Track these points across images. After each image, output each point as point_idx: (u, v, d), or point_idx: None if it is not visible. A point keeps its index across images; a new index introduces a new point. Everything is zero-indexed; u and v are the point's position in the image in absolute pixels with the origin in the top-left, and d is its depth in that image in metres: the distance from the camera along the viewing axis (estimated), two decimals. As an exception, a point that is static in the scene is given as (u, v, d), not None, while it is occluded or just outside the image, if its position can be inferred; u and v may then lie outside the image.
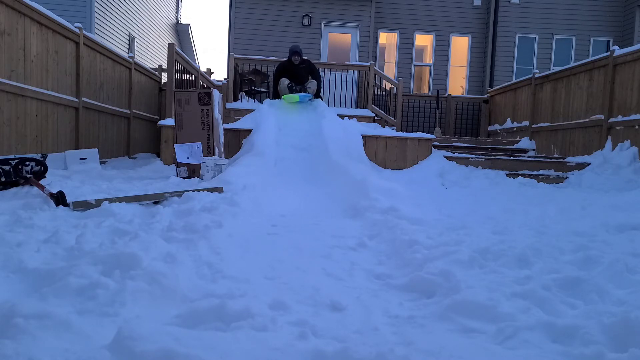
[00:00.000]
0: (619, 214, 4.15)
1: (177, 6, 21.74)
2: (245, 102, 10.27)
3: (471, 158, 7.55)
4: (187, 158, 5.90)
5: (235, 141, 7.11)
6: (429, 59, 14.15)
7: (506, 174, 7.12)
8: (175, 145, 5.99)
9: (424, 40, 14.08)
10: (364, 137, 7.22)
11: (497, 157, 7.84)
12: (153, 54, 17.68)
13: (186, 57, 8.70)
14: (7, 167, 4.14)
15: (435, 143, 8.70)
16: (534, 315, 1.71)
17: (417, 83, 14.40)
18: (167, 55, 7.97)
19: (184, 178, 5.62)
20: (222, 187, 4.25)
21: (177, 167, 5.96)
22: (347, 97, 11.55)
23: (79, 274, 1.90)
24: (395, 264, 2.57)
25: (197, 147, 5.94)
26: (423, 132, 9.02)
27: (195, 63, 13.70)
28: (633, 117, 6.99)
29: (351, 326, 1.67)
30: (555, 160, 7.72)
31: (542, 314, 1.73)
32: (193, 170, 5.85)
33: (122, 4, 14.10)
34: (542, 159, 7.71)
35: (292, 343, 1.45)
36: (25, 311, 1.43)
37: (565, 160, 7.70)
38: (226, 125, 7.03)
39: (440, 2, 13.47)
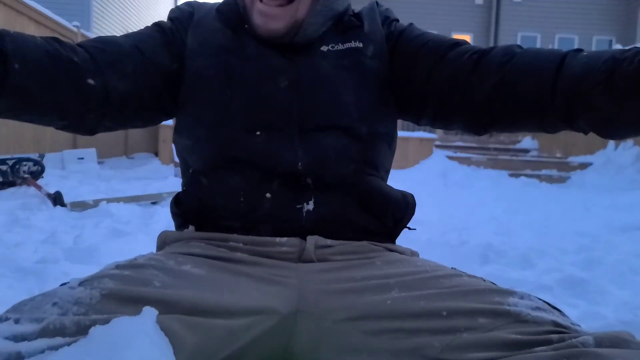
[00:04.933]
0: (622, 214, 4.12)
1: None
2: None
3: (473, 158, 7.52)
4: (187, 158, 5.89)
5: (236, 141, 7.10)
6: (430, 58, 14.14)
7: (508, 174, 7.09)
8: (173, 144, 5.98)
9: (425, 40, 14.07)
10: (365, 136, 7.20)
11: (499, 157, 7.82)
12: (154, 54, 17.67)
13: (186, 56, 8.69)
14: (4, 168, 4.12)
15: (437, 143, 8.67)
16: (536, 316, 1.68)
17: (418, 82, 14.39)
18: (167, 55, 7.95)
19: (183, 178, 5.60)
20: (221, 187, 4.23)
21: (175, 167, 5.94)
22: (348, 97, 11.54)
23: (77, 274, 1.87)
24: (395, 265, 2.54)
25: (197, 147, 5.93)
26: (424, 131, 8.99)
27: (196, 63, 13.68)
28: (636, 116, 6.96)
29: (350, 328, 1.64)
30: (558, 160, 7.69)
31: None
32: (193, 170, 5.84)
33: (121, 3, 14.10)
34: (544, 159, 7.68)
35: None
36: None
37: (568, 160, 7.67)
38: (226, 125, 7.01)
39: (442, 0, 13.44)
